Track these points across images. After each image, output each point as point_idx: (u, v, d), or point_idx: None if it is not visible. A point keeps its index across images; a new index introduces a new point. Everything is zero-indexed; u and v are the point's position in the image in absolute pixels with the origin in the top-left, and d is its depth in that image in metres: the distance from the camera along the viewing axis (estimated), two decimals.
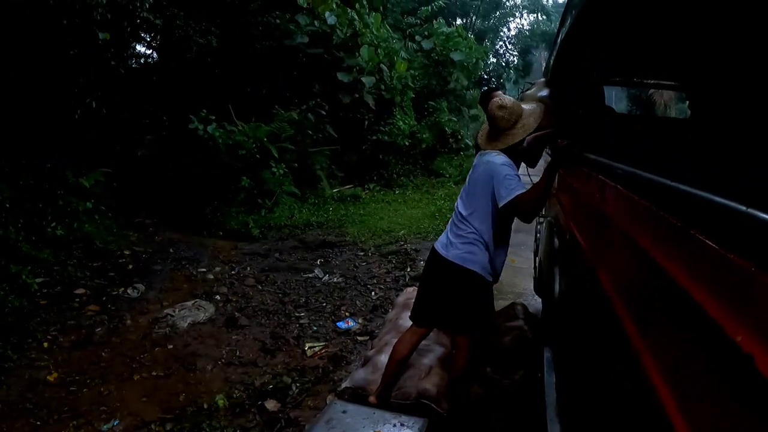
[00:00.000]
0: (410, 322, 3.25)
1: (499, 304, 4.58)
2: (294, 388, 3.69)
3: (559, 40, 4.06)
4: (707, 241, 0.83)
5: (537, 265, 4.57)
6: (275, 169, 9.37)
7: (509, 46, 33.34)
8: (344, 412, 3.03)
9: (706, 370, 0.82)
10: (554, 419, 2.33)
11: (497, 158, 2.98)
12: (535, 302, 4.84)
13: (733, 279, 0.74)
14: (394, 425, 2.92)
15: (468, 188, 3.12)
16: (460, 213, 3.05)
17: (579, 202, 2.40)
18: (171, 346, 4.31)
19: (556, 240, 3.17)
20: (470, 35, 19.03)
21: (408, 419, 2.97)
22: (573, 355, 2.20)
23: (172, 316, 4.76)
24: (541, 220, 5.18)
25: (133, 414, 3.37)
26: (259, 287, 5.81)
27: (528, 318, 3.81)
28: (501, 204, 2.84)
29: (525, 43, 32.59)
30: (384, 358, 3.43)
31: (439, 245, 3.11)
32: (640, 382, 1.08)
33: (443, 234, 3.17)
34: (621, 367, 1.33)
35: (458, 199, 3.19)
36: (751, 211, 0.71)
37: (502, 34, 32.51)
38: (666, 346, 1.02)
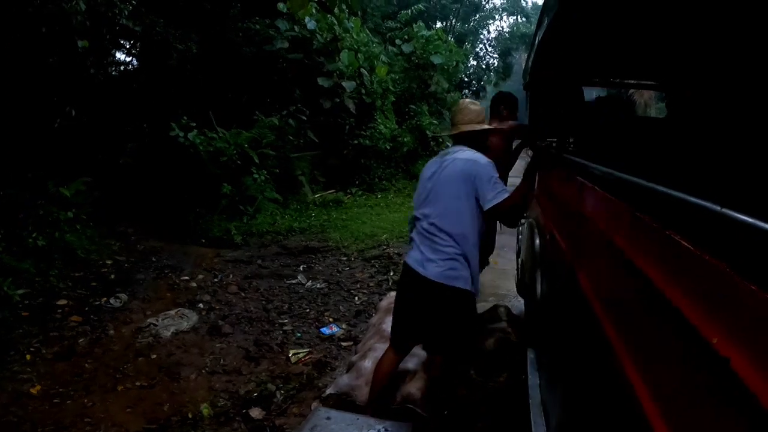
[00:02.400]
0: None
1: (482, 306, 4.63)
2: (279, 396, 3.72)
3: (536, 41, 4.12)
4: (682, 241, 0.86)
5: (519, 266, 4.62)
6: (257, 176, 9.37)
7: (489, 49, 33.55)
8: (328, 418, 3.05)
9: (682, 369, 0.84)
10: (538, 420, 2.35)
11: (480, 158, 2.92)
12: (518, 303, 4.90)
13: (708, 279, 0.77)
14: (380, 431, 2.95)
15: (433, 189, 2.94)
16: (433, 223, 2.86)
17: (558, 203, 2.44)
18: (154, 356, 4.31)
19: (537, 241, 3.21)
20: (450, 38, 19.12)
21: (392, 425, 3.00)
22: (556, 355, 2.25)
23: (156, 325, 4.76)
24: (523, 221, 5.24)
25: (117, 425, 3.38)
26: (242, 294, 5.82)
27: (511, 320, 3.85)
28: (487, 207, 2.80)
29: (505, 45, 32.74)
30: (368, 364, 3.47)
31: (413, 262, 2.90)
32: (619, 383, 1.11)
33: (414, 248, 2.95)
34: (601, 367, 1.36)
35: (419, 204, 3.01)
36: (725, 211, 0.73)
37: (482, 36, 32.73)
38: (643, 346, 1.04)
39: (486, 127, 3.22)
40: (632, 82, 5.32)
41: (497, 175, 2.90)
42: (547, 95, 4.11)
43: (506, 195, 2.79)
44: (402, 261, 3.38)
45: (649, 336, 1.02)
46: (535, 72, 4.48)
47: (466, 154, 2.99)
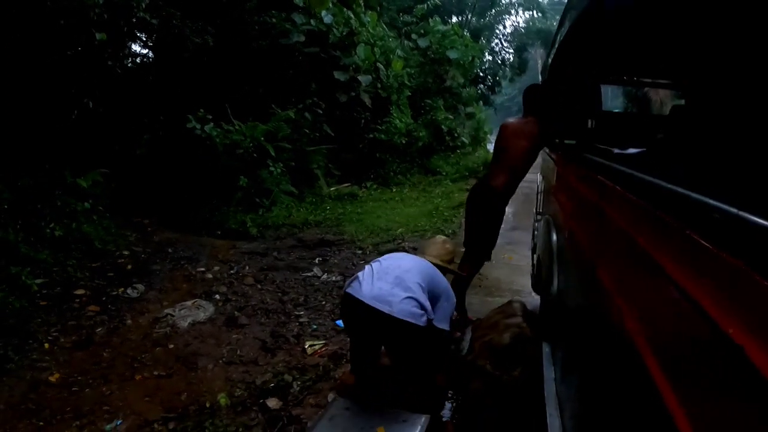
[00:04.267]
0: None
1: (498, 301, 4.62)
2: (295, 386, 3.71)
3: (557, 39, 4.08)
4: (701, 240, 0.88)
5: (535, 262, 4.59)
6: (273, 168, 9.39)
7: (505, 44, 33.42)
8: (347, 408, 3.05)
9: (702, 362, 0.85)
10: (554, 413, 2.34)
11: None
12: (533, 300, 4.86)
13: (725, 276, 0.79)
14: (397, 422, 2.94)
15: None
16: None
17: (577, 200, 2.42)
18: (172, 346, 4.32)
19: (554, 237, 3.19)
20: (466, 33, 19.04)
21: (410, 416, 2.99)
22: (572, 350, 2.23)
23: (172, 315, 4.77)
24: (539, 217, 5.21)
25: (135, 413, 3.38)
26: (258, 286, 5.82)
27: (526, 315, 3.82)
28: (433, 323, 3.00)
29: (521, 40, 32.65)
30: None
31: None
32: (640, 376, 1.11)
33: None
34: (619, 358, 1.36)
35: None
36: (742, 213, 0.75)
37: (497, 31, 32.64)
38: (662, 338, 1.05)
39: (448, 267, 3.59)
40: (652, 81, 5.29)
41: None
42: (565, 93, 4.09)
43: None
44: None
45: (668, 329, 1.04)
46: (555, 70, 4.46)
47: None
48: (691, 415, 0.84)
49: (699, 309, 0.83)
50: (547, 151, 4.70)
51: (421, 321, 2.84)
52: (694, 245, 0.90)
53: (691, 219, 0.96)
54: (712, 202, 0.86)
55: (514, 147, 4.31)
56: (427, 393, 3.29)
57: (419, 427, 2.90)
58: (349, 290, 2.92)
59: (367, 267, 3.09)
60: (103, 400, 3.53)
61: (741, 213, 0.75)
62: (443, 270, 3.45)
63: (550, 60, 4.73)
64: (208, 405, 3.46)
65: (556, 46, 4.13)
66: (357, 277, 2.99)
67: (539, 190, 5.55)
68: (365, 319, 2.86)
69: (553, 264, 3.07)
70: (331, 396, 3.53)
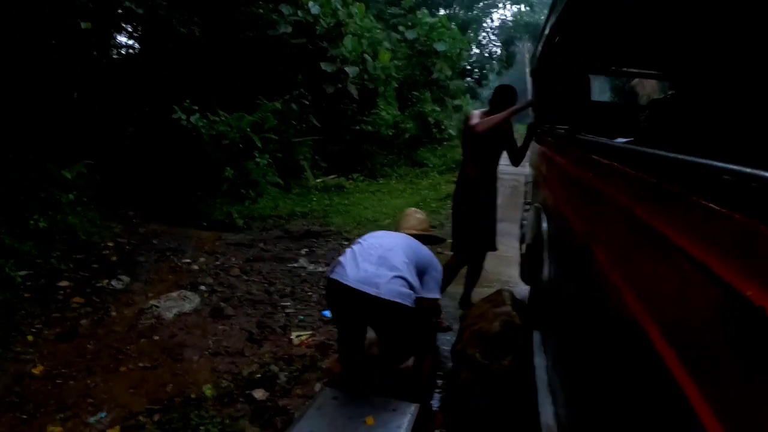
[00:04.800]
0: None
1: (485, 292, 4.63)
2: (282, 377, 3.70)
3: (546, 28, 4.08)
4: (711, 204, 0.84)
5: (524, 251, 4.60)
6: (259, 160, 9.34)
7: (492, 37, 33.41)
8: (335, 398, 3.04)
9: (720, 332, 0.80)
10: (546, 401, 2.35)
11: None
12: (521, 290, 4.88)
13: (738, 238, 0.76)
14: (387, 410, 2.94)
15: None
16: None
17: (570, 184, 2.40)
18: (157, 337, 4.29)
19: (544, 225, 3.20)
20: (453, 26, 19.02)
21: (399, 404, 2.99)
22: (565, 337, 2.23)
23: (158, 307, 4.74)
24: (527, 208, 5.22)
25: (120, 405, 3.36)
26: (245, 277, 5.80)
27: (515, 304, 3.81)
28: (422, 294, 3.04)
29: (508, 34, 32.67)
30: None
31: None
32: (642, 358, 1.08)
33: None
34: (619, 343, 1.34)
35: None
36: (749, 170, 0.74)
37: (485, 25, 32.59)
38: (675, 315, 1.00)
39: (428, 233, 3.72)
40: (641, 71, 5.31)
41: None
42: (554, 82, 4.09)
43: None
44: None
45: (678, 302, 0.99)
46: (544, 59, 4.46)
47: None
48: (712, 396, 0.78)
49: (712, 275, 0.80)
50: (536, 141, 4.72)
51: (409, 301, 2.84)
52: (703, 210, 0.87)
53: (696, 183, 0.93)
54: (719, 164, 0.84)
55: (464, 137, 4.70)
56: (416, 380, 3.30)
57: (408, 416, 2.90)
58: (333, 276, 2.90)
59: (348, 250, 3.08)
60: (87, 393, 3.50)
61: (748, 170, 0.73)
62: (424, 239, 3.53)
63: (539, 49, 4.73)
64: (193, 396, 3.45)
65: (545, 34, 4.12)
66: (340, 262, 2.97)
67: (528, 181, 5.56)
68: (352, 304, 2.85)
69: (544, 251, 3.08)
70: (318, 386, 3.53)
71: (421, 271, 3.09)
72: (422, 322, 3.19)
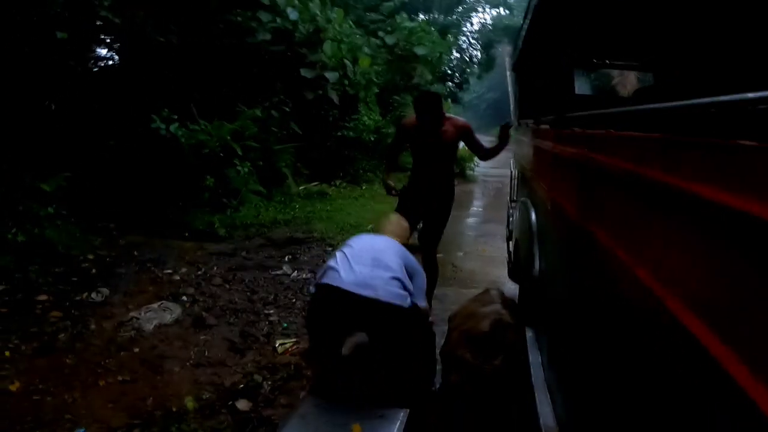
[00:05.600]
0: None
1: (473, 292, 4.59)
2: (266, 387, 3.65)
3: (526, 23, 4.06)
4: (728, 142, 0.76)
5: (512, 249, 4.54)
6: (240, 168, 9.26)
7: (472, 41, 33.55)
8: (318, 406, 2.96)
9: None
10: (544, 401, 2.27)
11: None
12: (509, 289, 4.86)
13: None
14: (374, 418, 2.85)
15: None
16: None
17: (564, 169, 2.31)
18: (137, 350, 4.21)
19: (533, 217, 3.15)
20: (433, 30, 19.07)
21: (388, 411, 2.90)
22: (563, 331, 2.16)
23: (138, 318, 4.66)
24: (513, 205, 5.21)
25: (99, 421, 3.27)
26: (227, 286, 5.73)
27: (505, 302, 3.73)
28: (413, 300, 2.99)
29: (488, 37, 32.86)
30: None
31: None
32: (661, 339, 1.00)
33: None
34: (631, 328, 1.24)
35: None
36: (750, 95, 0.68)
37: (464, 29, 32.70)
38: (703, 279, 0.86)
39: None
40: (623, 63, 5.32)
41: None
42: (536, 75, 4.08)
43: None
44: None
45: (705, 265, 0.86)
46: (526, 53, 4.44)
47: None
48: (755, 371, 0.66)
49: (744, 217, 0.68)
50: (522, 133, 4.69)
51: (407, 302, 2.81)
52: (722, 149, 0.78)
53: (706, 126, 0.86)
54: (723, 98, 0.77)
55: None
56: (409, 381, 3.23)
57: (398, 423, 2.82)
58: (326, 280, 2.83)
59: (338, 253, 3.02)
60: (65, 408, 3.40)
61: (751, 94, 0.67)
62: None
63: (520, 43, 4.69)
64: (174, 409, 3.37)
65: (527, 28, 4.09)
66: (330, 266, 2.90)
67: (513, 178, 5.50)
68: (347, 309, 2.78)
69: (534, 245, 3.02)
70: (302, 395, 3.47)
71: (410, 276, 3.05)
72: (420, 325, 3.15)
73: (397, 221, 3.73)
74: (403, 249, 3.21)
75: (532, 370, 2.60)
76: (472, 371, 3.21)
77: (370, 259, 2.88)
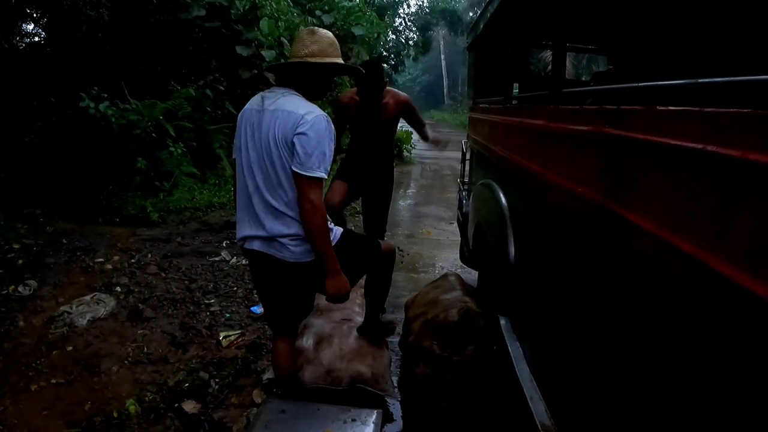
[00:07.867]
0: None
1: (426, 277, 4.56)
2: (213, 385, 3.51)
3: (491, 6, 3.99)
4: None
5: (471, 234, 4.39)
6: (173, 149, 8.92)
7: (409, 23, 33.47)
8: (283, 411, 2.81)
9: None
10: (534, 395, 2.15)
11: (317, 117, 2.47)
12: (462, 272, 4.84)
13: None
14: (345, 421, 2.73)
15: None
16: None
17: (556, 143, 2.18)
18: (70, 348, 3.97)
19: (504, 201, 3.06)
20: (371, 11, 18.86)
21: (359, 412, 2.79)
22: (553, 317, 2.09)
23: (70, 313, 4.41)
24: (466, 188, 5.17)
25: (32, 430, 3.07)
26: (163, 275, 5.52)
27: (465, 288, 3.63)
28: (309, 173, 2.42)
29: (424, 20, 32.87)
30: (305, 341, 3.28)
31: None
32: (680, 301, 0.98)
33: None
34: (643, 296, 1.19)
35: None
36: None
37: (401, 11, 32.53)
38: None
39: (339, 62, 2.57)
40: (580, 46, 5.38)
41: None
42: (494, 55, 4.05)
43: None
44: None
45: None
46: (484, 33, 4.39)
47: (293, 104, 2.46)
48: None
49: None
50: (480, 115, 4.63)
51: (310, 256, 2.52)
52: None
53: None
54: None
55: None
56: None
57: (372, 426, 2.71)
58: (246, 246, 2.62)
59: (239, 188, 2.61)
60: None
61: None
62: (331, 70, 2.66)
63: (481, 25, 4.59)
64: (115, 414, 3.18)
65: (491, 10, 4.01)
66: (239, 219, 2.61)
67: (465, 160, 5.37)
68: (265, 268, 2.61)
69: (507, 229, 2.90)
70: (255, 393, 3.35)
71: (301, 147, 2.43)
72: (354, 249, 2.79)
73: (316, 32, 2.58)
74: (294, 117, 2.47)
75: (515, 363, 2.48)
76: (442, 363, 3.08)
77: (263, 205, 2.54)
